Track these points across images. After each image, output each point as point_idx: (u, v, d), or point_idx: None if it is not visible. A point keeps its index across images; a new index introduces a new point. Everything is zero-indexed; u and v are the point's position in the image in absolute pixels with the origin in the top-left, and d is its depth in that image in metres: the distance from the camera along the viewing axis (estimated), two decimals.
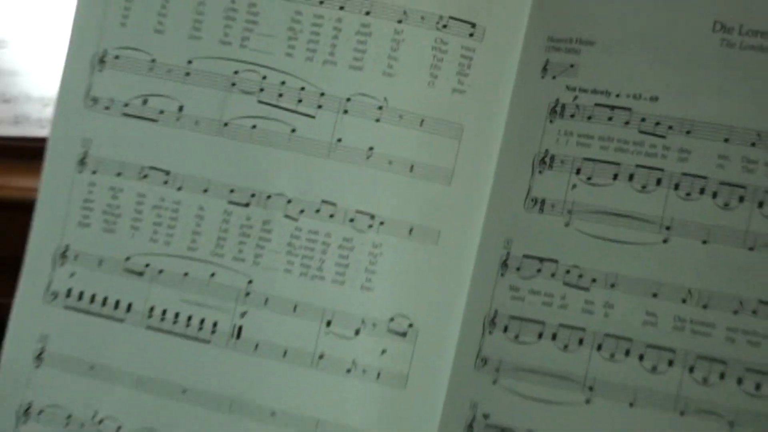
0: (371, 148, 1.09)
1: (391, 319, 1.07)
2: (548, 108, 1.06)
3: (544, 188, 1.05)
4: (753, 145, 1.00)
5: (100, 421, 1.11)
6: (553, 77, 1.07)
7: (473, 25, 1.08)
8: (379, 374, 1.07)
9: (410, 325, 1.07)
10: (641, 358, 1.01)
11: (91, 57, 1.14)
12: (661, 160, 1.03)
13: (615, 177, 1.03)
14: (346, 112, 1.09)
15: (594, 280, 1.03)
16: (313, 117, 1.10)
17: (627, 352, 1.01)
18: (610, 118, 1.04)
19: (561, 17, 1.08)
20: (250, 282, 1.10)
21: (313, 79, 1.10)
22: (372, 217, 1.08)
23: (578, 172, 1.05)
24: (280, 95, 1.10)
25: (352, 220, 1.09)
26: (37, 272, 1.14)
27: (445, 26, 1.08)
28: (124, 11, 1.13)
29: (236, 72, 1.11)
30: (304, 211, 1.10)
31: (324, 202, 1.09)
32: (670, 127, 1.03)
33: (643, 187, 1.03)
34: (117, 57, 1.14)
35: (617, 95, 1.04)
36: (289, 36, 1.10)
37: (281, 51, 1.11)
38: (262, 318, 1.09)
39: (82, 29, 1.16)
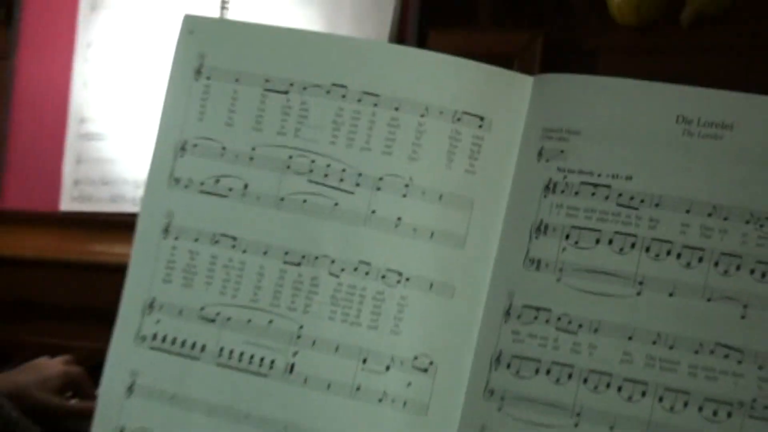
0: (399, 218, 1.11)
1: (415, 358, 1.09)
2: (543, 186, 1.08)
3: (539, 251, 1.07)
4: (709, 215, 1.02)
5: None
6: (547, 161, 1.09)
7: (482, 119, 1.10)
8: (405, 403, 1.09)
9: (431, 363, 1.09)
10: (619, 389, 1.02)
11: (174, 146, 1.17)
12: (634, 228, 1.05)
13: (597, 241, 1.06)
14: (378, 189, 1.11)
15: (580, 326, 1.05)
16: (352, 193, 1.12)
17: (608, 385, 1.03)
18: (593, 194, 1.07)
19: (553, 112, 1.09)
20: (300, 327, 1.12)
21: (352, 162, 1.12)
22: (400, 274, 1.10)
23: (567, 237, 1.07)
24: (326, 175, 1.12)
25: (383, 277, 1.11)
26: (129, 320, 1.16)
27: (459, 119, 1.11)
28: (200, 108, 1.16)
29: (290, 157, 1.13)
30: (345, 269, 1.11)
31: (361, 262, 1.11)
32: (642, 201, 1.05)
33: (620, 249, 1.05)
34: (195, 145, 1.16)
35: (599, 175, 1.07)
36: (333, 128, 1.13)
37: (326, 140, 1.13)
38: (310, 357, 1.11)
39: (167, 124, 1.18)
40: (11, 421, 1.38)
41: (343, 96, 1.14)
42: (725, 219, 1.04)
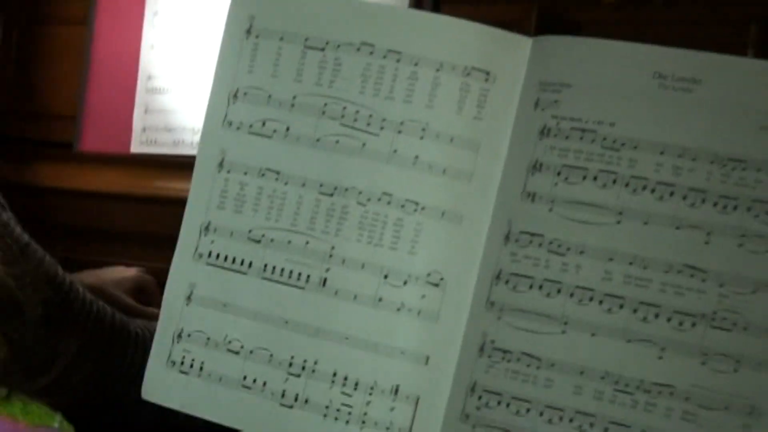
0: (416, 157, 1.10)
1: (428, 274, 1.09)
2: (539, 130, 1.07)
3: (535, 185, 1.06)
4: (680, 156, 1.01)
5: (229, 342, 1.13)
6: (543, 109, 1.07)
7: (488, 73, 1.09)
8: (419, 312, 1.09)
9: (441, 279, 1.08)
10: (600, 302, 1.02)
11: (227, 94, 1.16)
12: (615, 167, 1.04)
13: (584, 178, 1.05)
14: (399, 132, 1.11)
15: (568, 249, 1.04)
16: (377, 135, 1.11)
17: (591, 299, 1.02)
18: (581, 138, 1.05)
19: (548, 68, 1.08)
20: (332, 248, 1.11)
21: (377, 109, 1.11)
22: (416, 204, 1.10)
23: (558, 174, 1.06)
24: (355, 120, 1.12)
25: (402, 206, 1.10)
26: (189, 241, 1.16)
27: (468, 74, 1.09)
28: (250, 62, 1.15)
29: (325, 104, 1.12)
30: (370, 199, 1.11)
31: (384, 193, 1.11)
32: (623, 144, 1.04)
33: (603, 185, 1.04)
34: (245, 93, 1.15)
35: (586, 121, 1.06)
36: (362, 80, 1.12)
37: (356, 90, 1.12)
38: (340, 273, 1.11)
39: (222, 76, 1.17)
40: (91, 304, 1.36)
41: (371, 53, 1.13)
42: (693, 159, 1.02)
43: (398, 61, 1.12)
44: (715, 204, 1.01)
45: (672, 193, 1.03)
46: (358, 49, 1.13)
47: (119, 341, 1.20)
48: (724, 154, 1.01)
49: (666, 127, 1.04)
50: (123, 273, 1.66)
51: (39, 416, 0.74)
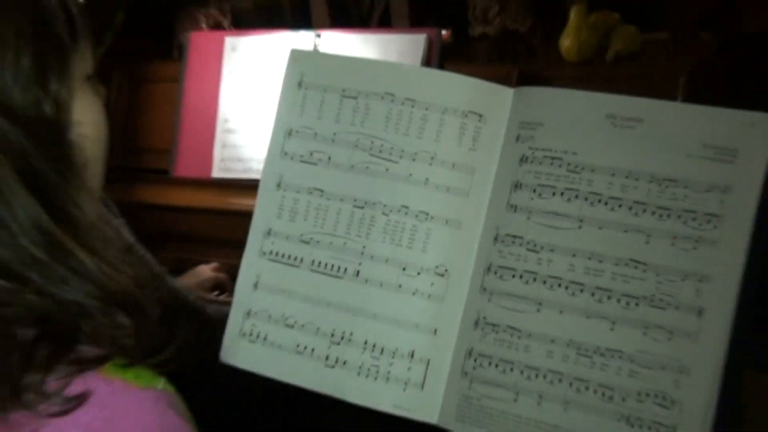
0: (427, 179, 1.09)
1: (436, 267, 1.08)
2: (519, 158, 1.07)
3: (516, 200, 1.06)
4: (626, 177, 1.01)
5: (286, 319, 1.12)
6: (522, 142, 1.07)
7: (480, 115, 1.09)
8: (429, 295, 1.08)
9: (446, 270, 1.08)
10: (566, 288, 1.02)
11: (284, 132, 1.16)
12: (577, 185, 1.03)
13: (553, 194, 1.04)
14: (414, 160, 1.10)
15: (542, 248, 1.04)
16: (397, 162, 1.11)
17: (559, 285, 1.02)
18: (551, 163, 1.05)
19: (526, 111, 1.08)
20: (364, 247, 1.11)
21: (397, 143, 1.11)
22: (427, 214, 1.09)
23: (534, 191, 1.05)
24: (380, 151, 1.11)
25: (416, 216, 1.09)
26: (255, 243, 1.15)
27: (466, 116, 1.09)
28: (301, 108, 1.15)
29: (358, 139, 1.12)
30: (392, 211, 1.10)
31: (402, 206, 1.10)
32: (583, 168, 1.04)
33: (568, 199, 1.03)
34: (297, 131, 1.15)
35: (555, 151, 1.05)
36: (385, 121, 1.11)
37: (381, 128, 1.12)
38: (369, 266, 1.11)
39: (280, 118, 1.17)
40: (190, 302, 1.41)
41: (392, 100, 1.13)
42: (636, 180, 1.02)
43: (413, 106, 1.12)
44: (653, 213, 1.01)
45: (620, 205, 1.02)
46: (382, 98, 1.13)
47: (206, 324, 1.21)
48: (660, 176, 1.01)
49: (616, 155, 1.03)
50: (202, 275, 1.68)
51: (146, 380, 0.73)
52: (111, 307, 0.73)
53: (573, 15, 1.74)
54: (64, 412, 0.69)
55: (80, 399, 0.70)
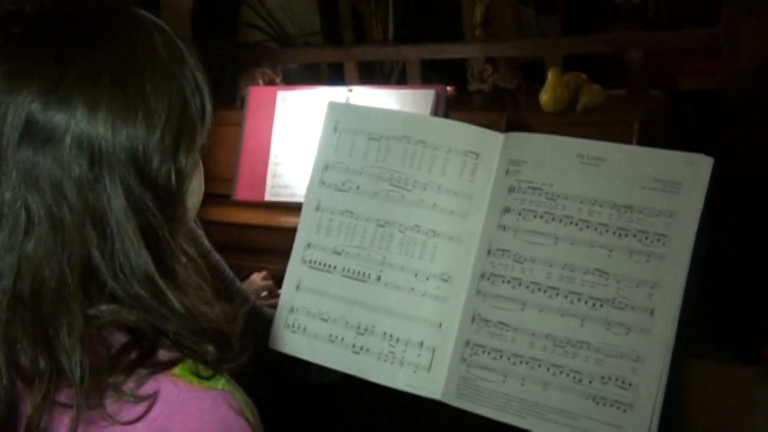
0: (435, 204, 1.08)
1: (442, 274, 1.07)
2: (508, 188, 1.06)
3: (505, 221, 1.05)
4: (593, 204, 1.00)
5: (321, 314, 1.11)
6: (510, 176, 1.06)
7: (477, 154, 1.08)
8: (436, 297, 1.07)
9: (449, 276, 1.07)
10: (545, 292, 1.01)
11: (323, 166, 1.15)
12: (553, 210, 1.02)
13: (534, 216, 1.03)
14: (424, 189, 1.09)
15: (525, 259, 1.03)
16: (411, 191, 1.10)
17: (538, 289, 1.01)
18: (533, 192, 1.04)
19: (513, 151, 1.06)
20: (384, 257, 1.10)
21: (411, 176, 1.10)
22: (434, 231, 1.08)
23: (519, 214, 1.04)
24: (398, 181, 1.10)
25: (426, 233, 1.08)
26: (298, 253, 1.14)
27: (466, 154, 1.08)
28: (335, 147, 1.14)
29: (380, 172, 1.11)
30: (407, 229, 1.09)
31: (415, 225, 1.09)
32: (558, 197, 1.02)
33: (546, 221, 1.02)
34: (332, 165, 1.14)
35: (536, 183, 1.04)
36: (402, 158, 1.10)
37: (398, 164, 1.11)
38: (389, 272, 1.09)
39: (319, 155, 1.16)
40: (257, 307, 1.39)
41: (408, 142, 1.12)
42: (600, 206, 1.01)
43: (424, 147, 1.11)
44: (614, 233, 1.00)
45: (588, 226, 1.01)
46: (400, 140, 1.12)
47: (264, 323, 1.19)
48: (620, 203, 1.00)
49: (584, 187, 1.02)
50: (255, 284, 1.67)
51: (208, 381, 0.70)
52: (201, 339, 0.71)
53: (550, 75, 1.73)
54: (137, 419, 0.67)
55: (151, 399, 0.67)
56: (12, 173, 0.66)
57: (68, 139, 0.66)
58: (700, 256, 0.97)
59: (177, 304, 0.70)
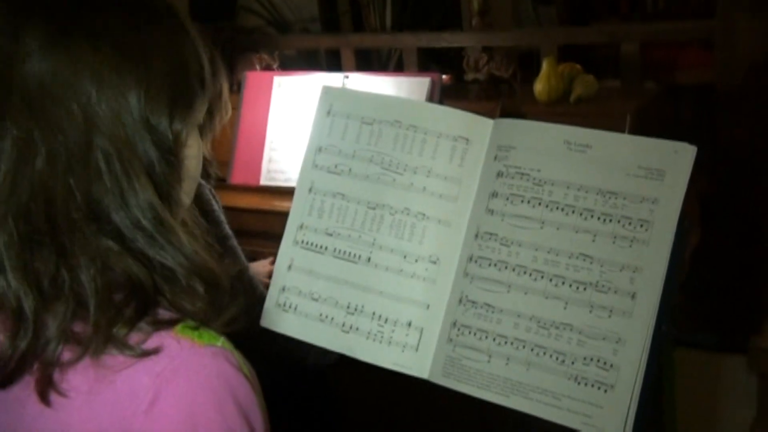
0: (425, 187, 1.10)
1: (430, 256, 1.09)
2: (496, 173, 1.07)
3: (493, 205, 1.07)
4: (578, 190, 1.02)
5: (311, 293, 1.12)
6: (499, 161, 1.08)
7: (467, 139, 1.10)
8: (424, 278, 1.09)
9: (438, 259, 1.09)
10: (530, 275, 1.03)
11: (315, 148, 1.16)
12: (540, 195, 1.04)
13: (521, 201, 1.05)
14: (415, 173, 1.11)
15: (512, 243, 1.05)
16: (402, 174, 1.12)
17: (524, 272, 1.04)
18: (521, 178, 1.06)
19: (502, 137, 1.08)
20: (374, 239, 1.11)
21: (402, 160, 1.12)
22: (424, 215, 1.10)
23: (507, 199, 1.06)
24: (389, 165, 1.12)
25: (416, 216, 1.10)
26: (290, 234, 1.16)
27: (456, 139, 1.10)
28: (329, 130, 1.15)
29: (372, 156, 1.13)
30: (397, 212, 1.11)
31: (405, 208, 1.11)
32: (545, 182, 1.05)
33: (533, 206, 1.04)
34: (325, 148, 1.16)
35: (524, 169, 1.06)
36: (393, 142, 1.12)
37: (390, 148, 1.12)
38: (379, 254, 1.11)
39: (312, 138, 1.17)
40: (249, 280, 1.43)
41: (399, 126, 1.14)
42: (586, 192, 1.04)
43: (415, 131, 1.12)
44: (599, 218, 1.02)
45: (573, 211, 1.03)
46: (392, 124, 1.14)
47: (259, 299, 1.21)
48: (605, 189, 1.02)
49: (570, 173, 1.04)
50: (261, 266, 1.69)
51: (208, 338, 0.74)
52: (193, 275, 0.75)
53: (545, 65, 1.76)
54: (152, 351, 0.71)
55: (155, 352, 0.72)
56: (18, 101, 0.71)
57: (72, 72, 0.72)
58: (683, 242, 0.99)
59: (178, 233, 0.75)
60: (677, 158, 0.99)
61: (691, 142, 1.00)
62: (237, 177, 1.89)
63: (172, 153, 0.77)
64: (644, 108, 1.71)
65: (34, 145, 0.71)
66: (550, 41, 2.00)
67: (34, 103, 0.71)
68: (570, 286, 1.02)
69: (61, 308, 0.71)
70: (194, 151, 0.82)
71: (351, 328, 1.12)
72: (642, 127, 1.60)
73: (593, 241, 1.02)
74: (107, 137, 0.72)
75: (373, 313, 1.11)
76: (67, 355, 0.71)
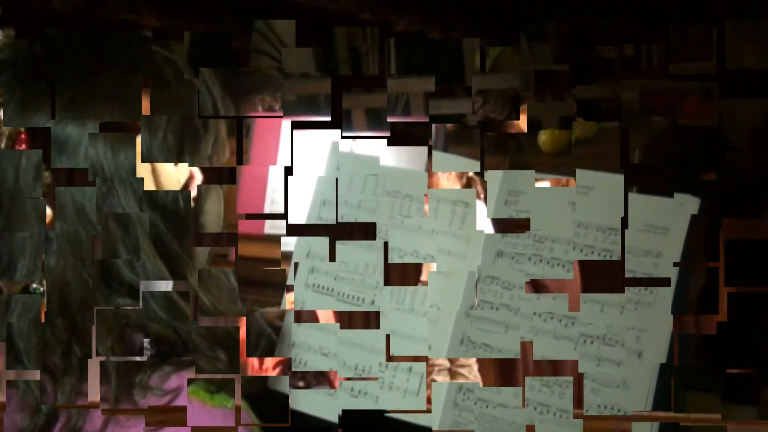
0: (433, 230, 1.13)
1: (434, 301, 1.10)
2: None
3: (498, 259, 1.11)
4: (579, 226, 1.07)
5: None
6: (509, 206, 1.14)
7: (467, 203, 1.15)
8: (428, 319, 1.10)
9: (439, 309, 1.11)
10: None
11: (321, 202, 1.20)
12: (541, 252, 1.08)
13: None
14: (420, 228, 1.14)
15: (513, 286, 1.08)
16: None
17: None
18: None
19: (511, 183, 1.16)
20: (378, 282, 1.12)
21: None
22: (432, 256, 1.12)
23: (512, 258, 1.09)
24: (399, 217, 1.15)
25: (425, 258, 1.13)
26: (302, 277, 1.18)
27: (455, 203, 1.15)
28: (333, 187, 1.18)
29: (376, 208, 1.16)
30: (407, 254, 1.13)
31: (414, 250, 1.13)
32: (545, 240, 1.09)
33: (534, 264, 1.08)
34: (330, 201, 1.19)
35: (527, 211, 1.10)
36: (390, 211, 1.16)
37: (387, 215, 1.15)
38: (383, 296, 1.12)
39: (318, 192, 1.21)
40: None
41: (395, 196, 1.18)
42: (586, 228, 1.08)
43: (411, 201, 1.16)
44: (599, 255, 1.05)
45: (574, 247, 1.07)
46: (388, 194, 1.17)
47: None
48: (605, 226, 1.06)
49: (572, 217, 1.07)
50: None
51: (220, 401, 0.76)
52: (214, 345, 0.78)
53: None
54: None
55: (176, 392, 0.74)
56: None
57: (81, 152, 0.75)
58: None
59: (187, 312, 0.77)
60: (680, 210, 1.05)
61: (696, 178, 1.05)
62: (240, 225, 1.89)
63: (179, 211, 0.80)
64: (653, 142, 1.71)
65: None
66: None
67: None
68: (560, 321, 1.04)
69: (69, 381, 0.76)
70: (214, 204, 0.87)
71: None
72: (651, 161, 1.60)
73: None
74: None
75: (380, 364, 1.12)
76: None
